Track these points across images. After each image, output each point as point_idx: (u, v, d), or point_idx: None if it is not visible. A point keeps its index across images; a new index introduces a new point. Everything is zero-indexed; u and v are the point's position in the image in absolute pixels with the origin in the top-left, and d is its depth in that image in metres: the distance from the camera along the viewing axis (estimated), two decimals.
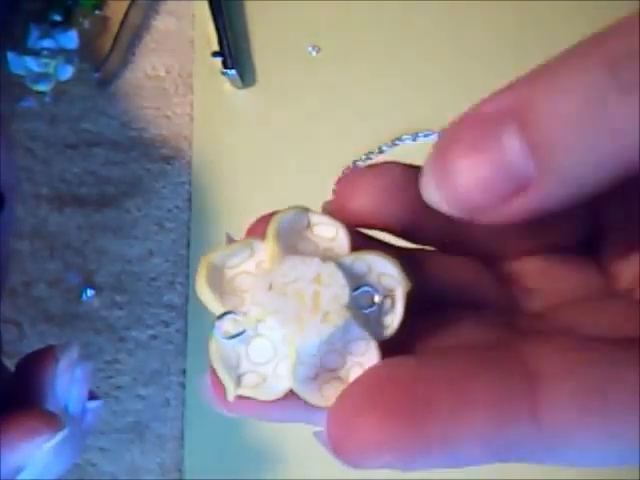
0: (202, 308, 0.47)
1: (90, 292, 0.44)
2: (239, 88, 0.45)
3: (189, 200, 0.44)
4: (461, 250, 0.19)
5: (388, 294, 0.16)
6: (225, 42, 0.44)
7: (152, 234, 0.44)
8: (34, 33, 0.44)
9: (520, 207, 0.15)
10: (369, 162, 0.43)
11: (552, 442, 0.14)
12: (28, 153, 0.45)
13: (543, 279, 0.19)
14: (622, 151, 0.14)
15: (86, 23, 0.46)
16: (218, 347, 0.16)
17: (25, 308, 0.44)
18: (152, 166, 0.45)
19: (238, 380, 0.16)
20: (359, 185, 0.17)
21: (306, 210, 0.17)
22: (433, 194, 0.15)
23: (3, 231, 0.25)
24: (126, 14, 0.45)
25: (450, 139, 0.15)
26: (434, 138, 0.43)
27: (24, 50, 0.44)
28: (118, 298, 0.44)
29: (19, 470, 0.22)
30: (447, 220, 0.15)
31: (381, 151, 0.43)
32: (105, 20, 0.46)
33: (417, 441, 0.14)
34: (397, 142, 0.43)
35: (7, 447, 0.21)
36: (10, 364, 0.43)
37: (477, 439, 0.14)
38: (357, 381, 0.16)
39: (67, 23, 0.44)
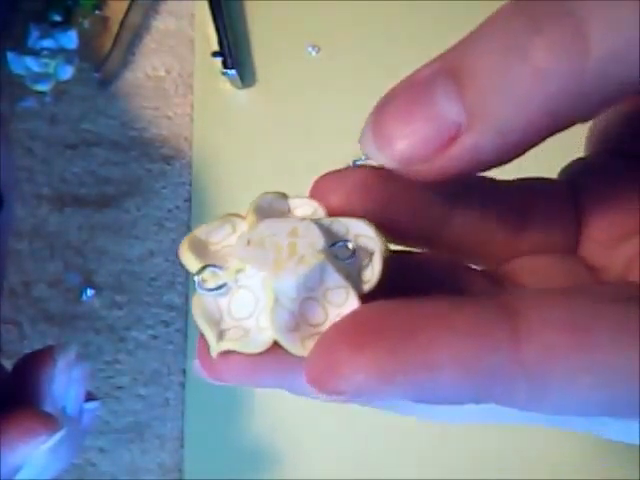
0: None
1: (90, 292, 0.44)
2: (239, 88, 0.45)
3: (189, 200, 0.44)
4: (446, 250, 0.19)
5: (366, 251, 0.17)
6: (225, 42, 0.44)
7: (152, 234, 0.44)
8: (34, 33, 0.44)
9: (455, 157, 0.15)
10: (369, 162, 0.43)
11: (532, 375, 0.14)
12: (28, 153, 0.45)
13: (530, 277, 0.19)
14: (543, 92, 0.14)
15: (86, 23, 0.46)
16: (200, 302, 0.17)
17: (25, 308, 0.44)
18: (152, 166, 0.45)
19: (221, 334, 0.16)
20: (330, 186, 0.18)
21: (285, 195, 0.18)
22: (374, 154, 0.16)
23: (2, 231, 0.25)
24: (126, 14, 0.45)
25: (386, 101, 0.16)
26: None
27: (24, 50, 0.44)
28: (118, 298, 0.44)
29: (17, 470, 0.22)
30: (426, 217, 0.16)
31: None
32: (105, 20, 0.46)
33: (397, 362, 0.14)
34: None
35: (6, 447, 0.22)
36: (10, 364, 0.44)
37: (457, 364, 0.14)
38: (337, 321, 0.16)
39: (67, 23, 0.44)
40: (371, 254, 0.17)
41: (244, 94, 0.45)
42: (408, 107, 0.15)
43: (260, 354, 0.16)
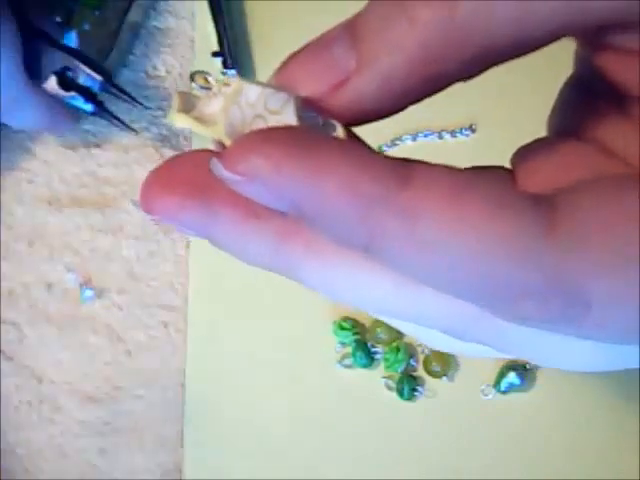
0: (202, 308, 0.47)
1: (89, 293, 0.43)
2: None
3: None
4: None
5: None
6: (225, 42, 0.44)
7: (152, 235, 0.44)
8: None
9: (344, 99, 0.17)
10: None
11: (406, 213, 0.15)
12: (27, 154, 0.45)
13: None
14: (417, 39, 0.16)
15: (86, 24, 0.46)
16: (182, 94, 0.18)
17: (24, 309, 0.44)
18: (152, 166, 0.45)
19: (186, 111, 0.18)
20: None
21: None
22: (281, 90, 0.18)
23: None
24: (126, 14, 0.45)
25: (294, 52, 0.18)
26: (434, 138, 0.43)
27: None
28: (117, 299, 0.44)
29: None
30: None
31: (381, 151, 0.43)
32: (105, 20, 0.46)
33: (290, 156, 0.16)
34: (397, 142, 0.43)
35: None
36: (10, 365, 0.44)
37: (337, 182, 0.15)
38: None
39: (68, 24, 0.44)
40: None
41: None
42: (309, 57, 0.18)
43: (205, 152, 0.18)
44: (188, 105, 0.18)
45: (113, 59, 0.45)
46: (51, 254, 0.44)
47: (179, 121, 0.18)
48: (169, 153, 0.45)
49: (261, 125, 0.17)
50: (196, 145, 0.45)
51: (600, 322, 0.16)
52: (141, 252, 0.44)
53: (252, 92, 0.17)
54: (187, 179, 0.18)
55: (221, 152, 0.16)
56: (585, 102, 0.19)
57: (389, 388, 0.41)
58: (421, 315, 0.18)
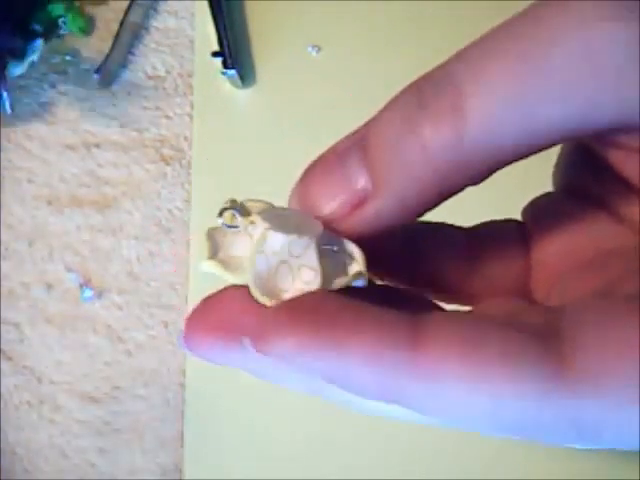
0: None
1: (89, 293, 0.44)
2: (239, 88, 0.45)
3: (189, 200, 0.44)
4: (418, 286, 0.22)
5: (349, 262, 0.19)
6: (225, 42, 0.44)
7: (152, 235, 0.44)
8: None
9: (363, 219, 0.18)
10: None
11: (427, 377, 0.16)
12: (27, 154, 0.45)
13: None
14: (431, 165, 0.17)
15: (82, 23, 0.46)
16: (210, 232, 0.19)
17: (24, 309, 0.44)
18: (152, 167, 0.45)
19: (214, 255, 0.19)
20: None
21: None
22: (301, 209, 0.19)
23: None
24: (126, 14, 0.45)
25: (309, 169, 0.19)
26: None
27: None
28: (117, 299, 0.44)
29: None
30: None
31: None
32: (105, 20, 0.46)
33: (314, 338, 0.16)
34: None
35: None
36: (10, 365, 0.44)
37: (360, 351, 0.16)
38: (294, 295, 0.18)
39: (48, 35, 0.44)
40: (352, 269, 0.19)
41: (244, 94, 0.45)
42: (325, 176, 0.18)
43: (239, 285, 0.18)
44: (214, 245, 0.19)
45: (113, 59, 0.45)
46: (51, 254, 0.44)
47: (209, 267, 0.19)
48: (169, 153, 0.45)
49: (286, 272, 0.18)
50: (196, 150, 0.45)
51: (608, 441, 0.16)
52: (141, 252, 0.44)
53: (276, 241, 0.18)
54: (222, 318, 0.18)
55: (252, 333, 0.17)
56: (591, 165, 0.19)
57: None
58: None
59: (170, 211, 0.44)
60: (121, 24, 0.45)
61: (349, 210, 0.18)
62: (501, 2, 0.46)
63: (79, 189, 0.45)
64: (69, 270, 0.44)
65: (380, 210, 0.18)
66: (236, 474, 0.41)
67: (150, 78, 0.46)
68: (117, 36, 0.45)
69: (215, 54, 0.44)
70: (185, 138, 0.45)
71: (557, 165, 0.22)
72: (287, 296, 0.18)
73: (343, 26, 0.45)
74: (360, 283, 0.18)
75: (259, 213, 0.18)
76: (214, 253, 0.19)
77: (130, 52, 0.46)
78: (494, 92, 0.16)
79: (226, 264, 0.19)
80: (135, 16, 0.46)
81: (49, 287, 0.44)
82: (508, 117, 0.16)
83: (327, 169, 0.18)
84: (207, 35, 0.45)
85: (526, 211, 0.22)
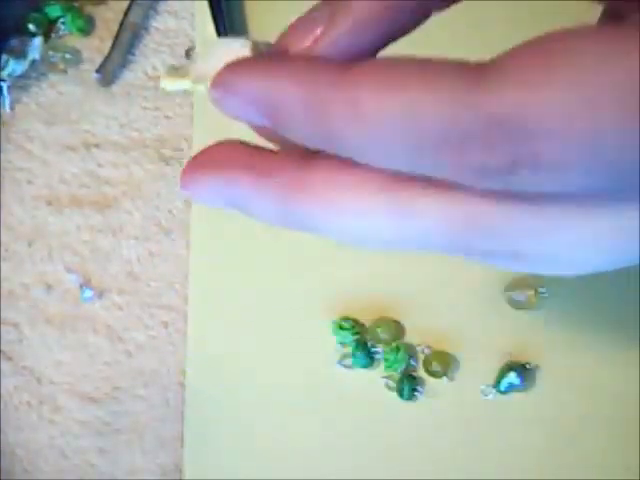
0: (202, 309, 0.47)
1: (89, 293, 0.43)
2: None
3: (189, 201, 0.44)
4: None
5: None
6: None
7: (152, 235, 0.44)
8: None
9: (323, 44, 0.20)
10: None
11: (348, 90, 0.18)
12: (27, 154, 0.45)
13: None
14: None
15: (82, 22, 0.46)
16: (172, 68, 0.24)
17: (24, 309, 0.44)
18: (152, 167, 0.45)
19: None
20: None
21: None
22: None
23: None
24: (126, 14, 0.45)
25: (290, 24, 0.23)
26: None
27: None
28: (117, 299, 0.44)
29: None
30: None
31: None
32: (105, 20, 0.46)
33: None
34: None
35: None
36: (10, 365, 0.44)
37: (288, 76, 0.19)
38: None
39: (46, 36, 0.44)
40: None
41: None
42: (298, 22, 0.22)
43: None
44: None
45: (113, 59, 0.45)
46: (51, 254, 0.44)
47: (168, 85, 0.23)
48: (169, 153, 0.45)
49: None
50: (196, 145, 0.45)
51: (556, 159, 0.15)
52: (141, 252, 0.44)
53: (222, 43, 0.22)
54: (214, 158, 0.22)
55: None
56: None
57: (389, 388, 0.41)
58: (422, 238, 0.19)
59: (170, 211, 0.44)
60: (121, 24, 0.45)
61: (312, 43, 0.21)
62: (501, 4, 0.46)
63: (79, 189, 0.45)
64: (69, 270, 0.44)
65: (334, 36, 0.20)
66: (236, 474, 0.41)
67: (150, 78, 0.46)
68: (117, 36, 0.45)
69: None
70: (185, 138, 0.45)
71: None
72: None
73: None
74: None
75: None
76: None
77: (130, 52, 0.46)
78: None
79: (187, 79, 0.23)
80: (135, 16, 0.46)
81: (49, 287, 0.44)
82: None
83: (299, 20, 0.22)
84: (207, 35, 0.45)
85: None
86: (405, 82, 0.17)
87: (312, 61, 0.19)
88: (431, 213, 0.18)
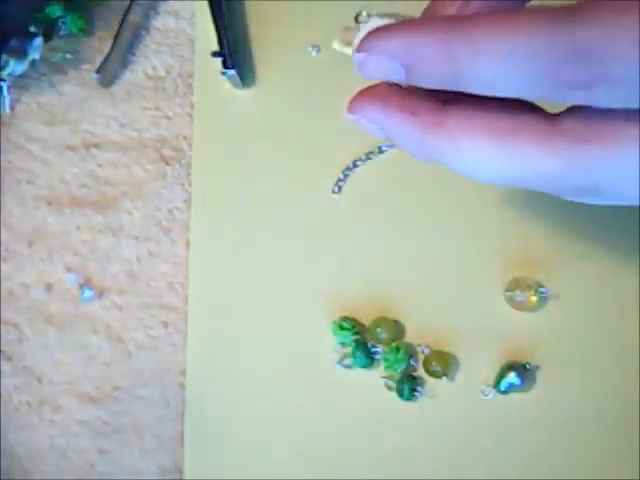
0: (201, 309, 0.47)
1: (89, 293, 0.44)
2: (239, 88, 0.45)
3: (189, 200, 0.44)
4: None
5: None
6: (225, 42, 0.44)
7: (152, 235, 0.44)
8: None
9: (472, 8, 0.26)
10: (369, 162, 0.43)
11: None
12: (27, 154, 0.45)
13: None
14: None
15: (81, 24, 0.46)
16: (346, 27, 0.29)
17: (24, 309, 0.44)
18: (152, 167, 0.45)
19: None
20: None
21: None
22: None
23: None
24: (126, 14, 0.45)
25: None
26: None
27: None
28: (117, 299, 0.44)
29: None
30: None
31: (381, 151, 0.43)
32: (105, 20, 0.46)
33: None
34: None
35: None
36: (10, 365, 0.44)
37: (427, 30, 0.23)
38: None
39: (47, 37, 0.44)
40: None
41: (244, 94, 0.45)
42: None
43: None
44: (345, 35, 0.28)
45: (113, 59, 0.45)
46: (51, 254, 0.44)
47: (338, 47, 0.28)
48: (169, 153, 0.45)
49: None
50: (196, 150, 0.45)
51: (629, 76, 0.20)
52: (141, 252, 0.44)
53: (373, 21, 0.26)
54: (375, 94, 0.26)
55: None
56: None
57: (389, 388, 0.41)
58: (528, 177, 0.24)
59: (170, 211, 0.44)
60: (121, 24, 0.45)
61: (458, 9, 0.26)
62: None
63: (79, 189, 0.45)
64: (69, 270, 0.44)
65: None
66: (236, 474, 0.41)
67: (150, 78, 0.46)
68: (117, 36, 0.45)
69: (215, 54, 0.44)
70: (185, 138, 0.45)
71: None
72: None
73: (343, 26, 0.45)
74: None
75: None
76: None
77: (130, 52, 0.46)
78: None
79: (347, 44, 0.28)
80: (135, 16, 0.46)
81: (49, 287, 0.44)
82: None
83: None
84: (207, 35, 0.45)
85: None
86: (516, 23, 0.21)
87: (443, 18, 0.23)
88: (536, 157, 0.23)
